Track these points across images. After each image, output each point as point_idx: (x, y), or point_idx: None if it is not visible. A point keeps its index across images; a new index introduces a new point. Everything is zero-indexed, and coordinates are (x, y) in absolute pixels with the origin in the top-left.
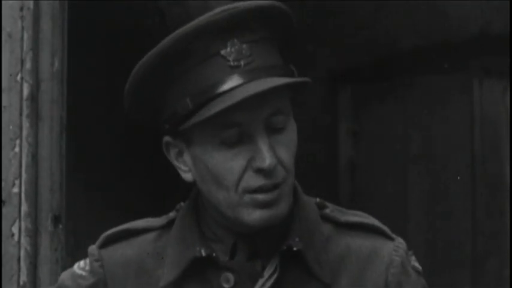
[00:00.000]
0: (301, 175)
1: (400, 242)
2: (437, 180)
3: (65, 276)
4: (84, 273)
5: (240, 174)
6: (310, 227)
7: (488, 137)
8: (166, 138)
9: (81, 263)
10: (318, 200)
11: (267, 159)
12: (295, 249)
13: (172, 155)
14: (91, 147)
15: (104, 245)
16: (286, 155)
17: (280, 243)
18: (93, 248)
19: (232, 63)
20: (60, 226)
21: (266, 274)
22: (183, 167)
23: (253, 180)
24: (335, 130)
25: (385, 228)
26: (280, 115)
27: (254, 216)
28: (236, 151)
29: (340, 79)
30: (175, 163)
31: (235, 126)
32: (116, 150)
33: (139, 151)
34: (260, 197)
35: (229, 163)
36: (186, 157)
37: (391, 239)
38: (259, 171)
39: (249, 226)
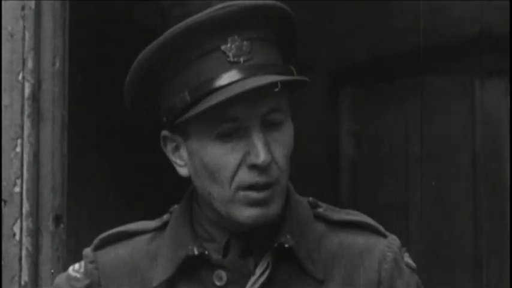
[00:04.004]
0: (301, 175)
1: (393, 238)
2: (438, 180)
3: (60, 279)
4: (78, 275)
5: (234, 169)
6: (302, 225)
7: (490, 137)
8: (164, 133)
9: (76, 265)
10: (310, 199)
11: (261, 156)
12: (286, 246)
13: (169, 150)
14: (92, 147)
15: (99, 247)
16: (281, 154)
17: (272, 241)
18: (87, 251)
19: (231, 59)
20: (62, 226)
21: (258, 271)
22: (179, 162)
23: (247, 176)
24: (336, 130)
25: (379, 225)
26: (278, 113)
27: (246, 213)
28: (232, 146)
29: (341, 79)
30: (172, 158)
31: (232, 121)
32: (117, 149)
33: (141, 151)
34: (253, 194)
35: (224, 158)
36: (183, 151)
37: (384, 236)
38: (253, 167)
39: (240, 224)
